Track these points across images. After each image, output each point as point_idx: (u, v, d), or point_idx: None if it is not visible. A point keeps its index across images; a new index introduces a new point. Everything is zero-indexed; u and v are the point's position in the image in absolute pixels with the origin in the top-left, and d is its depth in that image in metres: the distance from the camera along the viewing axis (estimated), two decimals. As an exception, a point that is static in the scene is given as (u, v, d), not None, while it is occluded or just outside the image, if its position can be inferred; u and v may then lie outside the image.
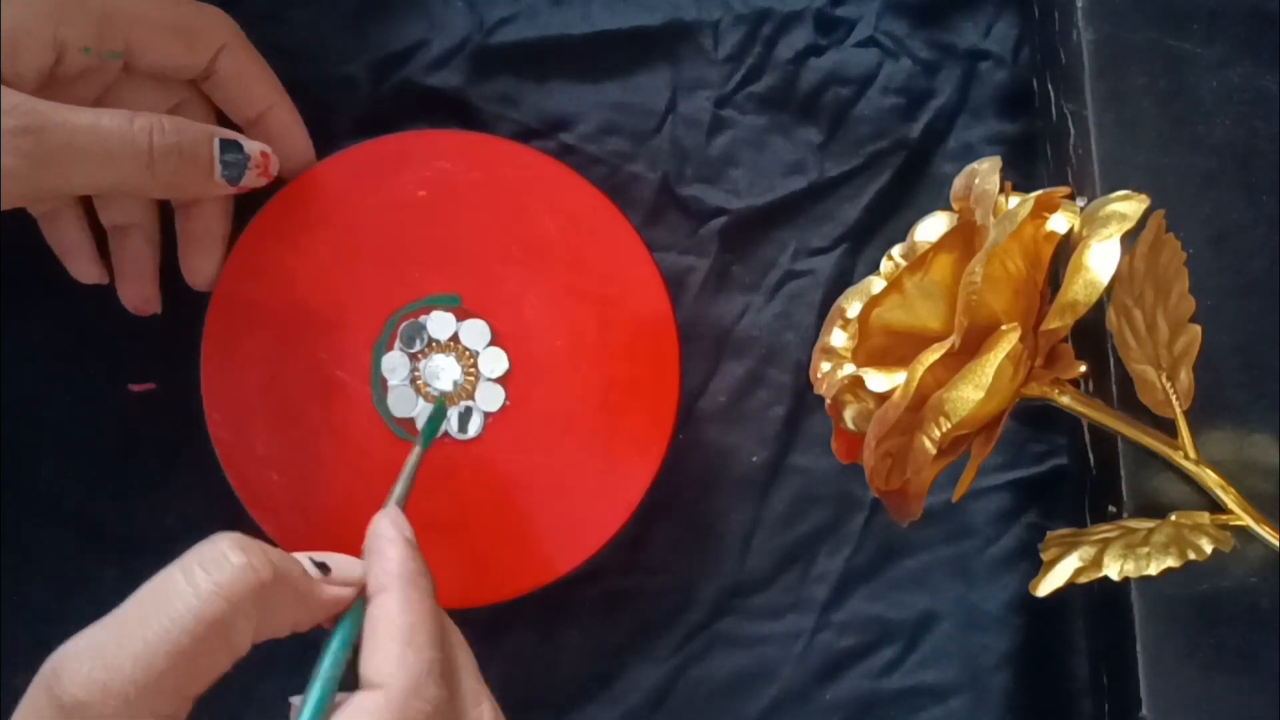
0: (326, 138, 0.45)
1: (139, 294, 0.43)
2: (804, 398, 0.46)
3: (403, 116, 0.46)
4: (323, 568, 0.32)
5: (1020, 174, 0.47)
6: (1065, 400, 0.37)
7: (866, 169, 0.47)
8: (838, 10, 0.48)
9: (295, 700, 0.31)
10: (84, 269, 0.43)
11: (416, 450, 0.38)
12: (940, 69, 0.48)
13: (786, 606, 0.46)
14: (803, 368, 0.46)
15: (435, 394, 0.44)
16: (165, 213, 0.44)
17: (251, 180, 0.40)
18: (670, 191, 0.47)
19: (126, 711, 0.27)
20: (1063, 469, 0.46)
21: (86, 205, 0.43)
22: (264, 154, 0.40)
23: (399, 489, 0.37)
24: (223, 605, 0.29)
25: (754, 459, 0.46)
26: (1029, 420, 0.46)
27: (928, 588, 0.46)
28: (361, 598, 0.33)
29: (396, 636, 0.31)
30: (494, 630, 0.45)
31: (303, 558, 0.32)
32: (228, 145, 0.39)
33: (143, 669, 0.28)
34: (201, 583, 0.29)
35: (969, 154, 0.47)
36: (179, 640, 0.28)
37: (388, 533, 0.34)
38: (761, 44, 0.47)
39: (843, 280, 0.47)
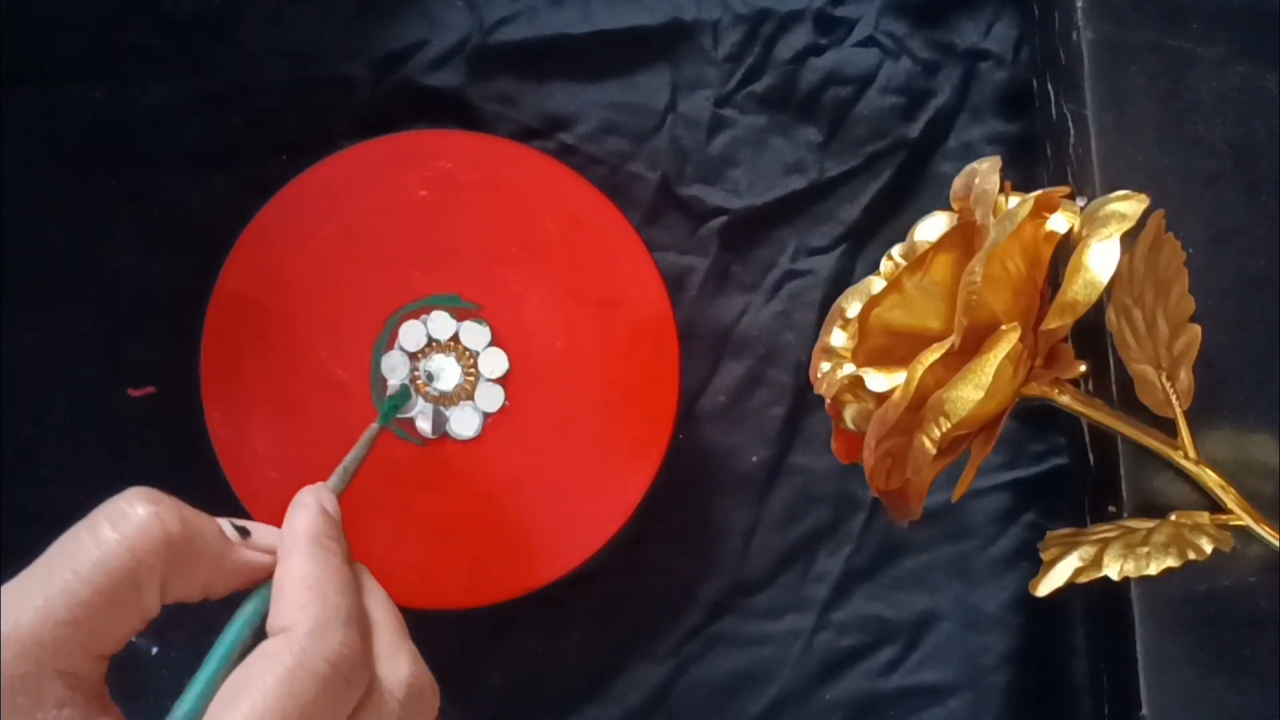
0: (326, 138, 0.45)
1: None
2: (804, 398, 0.46)
3: (403, 116, 0.46)
4: (242, 531, 0.31)
5: (1020, 174, 0.47)
6: (1065, 400, 0.37)
7: (866, 169, 0.47)
8: (838, 10, 0.47)
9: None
10: None
11: (372, 428, 0.37)
12: (940, 69, 0.48)
13: (786, 606, 0.46)
14: (803, 368, 0.46)
15: (435, 393, 0.44)
16: (165, 214, 0.44)
17: None
18: (670, 191, 0.47)
19: (24, 663, 0.26)
20: (1063, 469, 0.46)
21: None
22: None
23: (342, 465, 0.35)
24: (126, 557, 0.27)
25: (754, 459, 0.46)
26: (1029, 420, 0.46)
27: (928, 588, 0.46)
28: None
29: (300, 586, 0.29)
30: (494, 630, 0.45)
31: (223, 521, 0.31)
32: None
33: (41, 621, 0.26)
34: (106, 534, 0.28)
35: (969, 154, 0.47)
36: (79, 592, 0.27)
37: (303, 500, 0.32)
38: (761, 44, 0.47)
39: (843, 280, 0.47)
